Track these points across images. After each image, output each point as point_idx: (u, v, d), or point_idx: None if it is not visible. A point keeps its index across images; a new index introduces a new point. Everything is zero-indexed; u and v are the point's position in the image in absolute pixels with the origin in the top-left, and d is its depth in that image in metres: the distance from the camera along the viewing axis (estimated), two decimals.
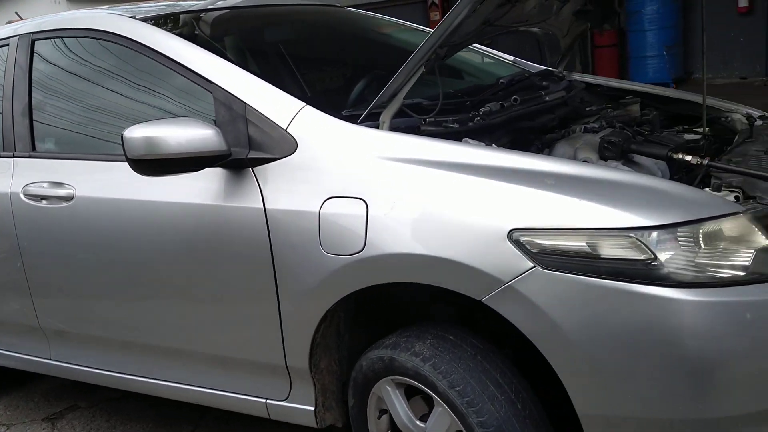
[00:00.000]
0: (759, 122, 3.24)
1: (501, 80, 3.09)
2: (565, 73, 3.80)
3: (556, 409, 2.18)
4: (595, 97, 3.84)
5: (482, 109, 2.74)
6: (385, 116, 2.41)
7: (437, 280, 2.16)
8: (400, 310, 2.59)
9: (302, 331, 2.46)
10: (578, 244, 1.97)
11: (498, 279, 2.03)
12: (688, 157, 2.46)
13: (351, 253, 2.26)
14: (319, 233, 2.32)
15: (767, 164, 2.47)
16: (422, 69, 2.35)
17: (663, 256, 1.92)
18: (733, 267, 1.96)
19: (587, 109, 3.67)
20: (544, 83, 3.28)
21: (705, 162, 2.41)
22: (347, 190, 2.30)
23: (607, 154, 2.59)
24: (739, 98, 3.76)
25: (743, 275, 1.96)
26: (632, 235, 1.94)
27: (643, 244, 1.92)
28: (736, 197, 2.19)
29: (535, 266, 1.99)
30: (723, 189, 2.20)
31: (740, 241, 2.01)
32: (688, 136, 3.29)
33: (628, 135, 2.65)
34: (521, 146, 2.96)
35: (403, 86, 2.38)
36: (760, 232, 2.04)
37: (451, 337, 2.30)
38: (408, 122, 2.56)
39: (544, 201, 2.05)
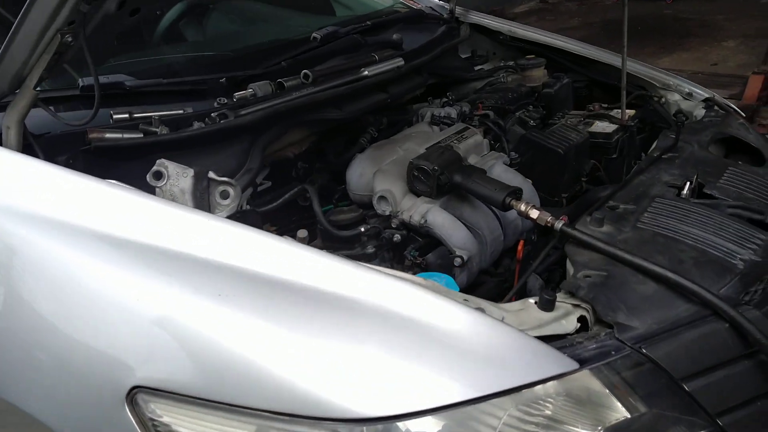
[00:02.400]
0: (699, 111, 2.20)
1: (314, 35, 2.01)
2: (460, 12, 2.71)
3: None
4: (500, 49, 2.77)
5: (238, 95, 1.70)
6: (10, 118, 1.37)
7: None
8: None
9: None
10: None
11: None
12: (534, 213, 1.45)
13: None
14: None
15: (674, 222, 1.48)
16: (57, 36, 1.28)
17: None
18: None
19: (477, 68, 2.62)
20: (394, 38, 2.21)
21: (558, 225, 1.41)
22: None
23: (418, 187, 1.58)
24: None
25: None
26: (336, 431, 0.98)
27: None
28: (582, 320, 1.20)
29: None
30: (559, 304, 1.21)
31: (577, 415, 1.06)
32: (601, 124, 2.27)
33: (456, 157, 1.62)
34: (335, 147, 1.96)
35: (33, 67, 1.33)
36: (614, 397, 1.09)
37: None
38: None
39: (189, 339, 1.06)
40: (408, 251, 1.55)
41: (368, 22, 2.21)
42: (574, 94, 2.54)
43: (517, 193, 1.50)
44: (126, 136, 1.49)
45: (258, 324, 1.06)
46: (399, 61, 1.97)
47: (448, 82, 2.47)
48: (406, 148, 1.75)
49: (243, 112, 1.61)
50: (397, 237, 1.54)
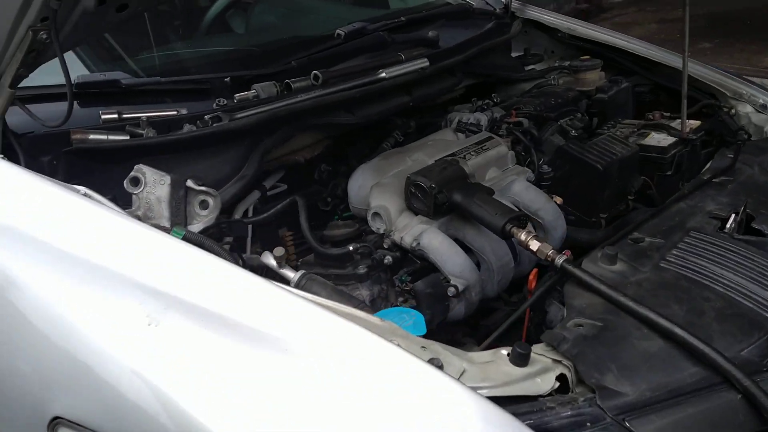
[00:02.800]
0: None
1: (338, 32, 1.89)
2: (517, 7, 2.52)
3: None
4: (559, 47, 2.55)
5: (239, 96, 1.61)
6: None
7: None
8: None
9: None
10: None
11: None
12: (534, 245, 1.28)
13: None
14: None
15: (706, 263, 1.27)
16: (29, 33, 1.23)
17: None
18: None
19: (528, 68, 2.43)
20: (429, 35, 2.05)
21: (558, 260, 1.24)
22: None
23: (415, 204, 1.44)
24: None
25: None
26: None
27: None
28: (562, 379, 1.03)
29: None
30: (538, 357, 1.05)
31: None
32: (657, 136, 2.04)
33: (460, 173, 1.46)
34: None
35: (7, 64, 1.29)
36: None
37: None
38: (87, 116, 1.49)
39: (111, 373, 0.98)
40: (400, 275, 1.41)
41: (402, 18, 2.07)
42: (636, 99, 2.31)
43: (520, 220, 1.33)
44: (111, 137, 1.43)
45: (183, 362, 0.96)
46: (423, 62, 1.82)
47: (494, 83, 2.30)
48: (415, 158, 1.61)
49: (239, 115, 1.51)
50: (388, 258, 1.41)
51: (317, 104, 1.61)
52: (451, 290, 1.36)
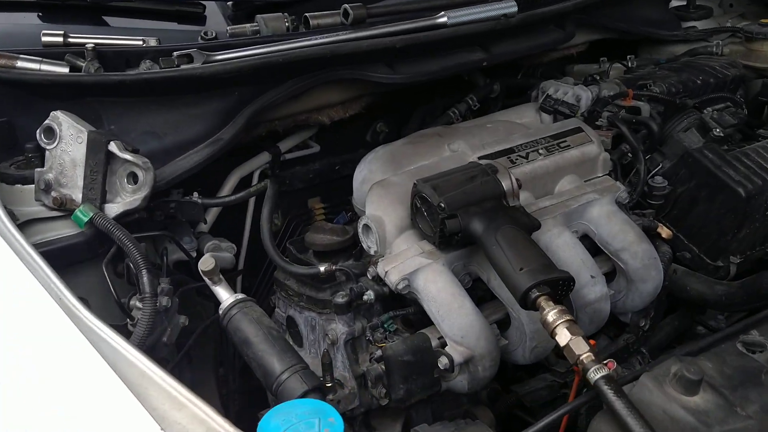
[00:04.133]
0: None
1: None
2: None
3: None
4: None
5: (232, 29, 1.20)
6: None
7: None
8: None
9: None
10: None
11: None
12: (562, 336, 0.79)
13: None
14: None
15: None
16: None
17: None
18: None
19: (687, 25, 1.81)
20: None
21: (593, 375, 0.75)
22: None
23: (420, 224, 0.98)
24: None
25: None
26: None
27: None
28: None
29: None
30: None
31: None
32: None
33: (494, 191, 0.96)
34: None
35: None
36: None
37: None
38: None
39: None
40: (382, 319, 0.98)
41: None
42: None
43: (558, 286, 0.83)
44: (45, 68, 1.08)
45: None
46: (509, 6, 1.29)
47: (634, 41, 1.72)
48: (455, 148, 1.13)
49: (217, 57, 1.11)
50: (369, 295, 0.98)
51: (334, 52, 1.16)
52: (443, 362, 0.91)
